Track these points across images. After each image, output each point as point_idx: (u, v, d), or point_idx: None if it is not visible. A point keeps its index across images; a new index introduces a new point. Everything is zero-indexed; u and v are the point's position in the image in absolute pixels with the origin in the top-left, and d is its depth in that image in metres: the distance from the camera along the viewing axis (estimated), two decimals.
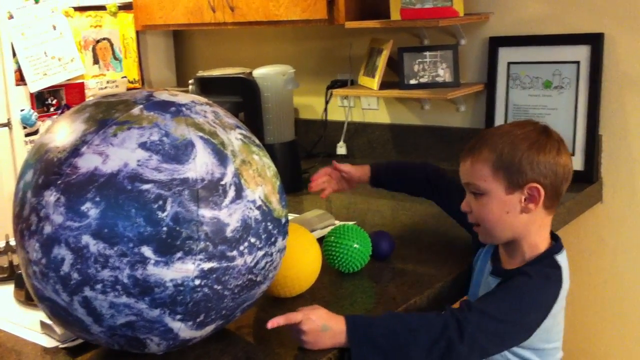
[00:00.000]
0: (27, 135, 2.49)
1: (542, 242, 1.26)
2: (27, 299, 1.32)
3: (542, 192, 1.20)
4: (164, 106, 1.04)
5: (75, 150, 0.97)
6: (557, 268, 1.23)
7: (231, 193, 1.00)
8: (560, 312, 1.25)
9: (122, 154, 0.96)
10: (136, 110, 1.02)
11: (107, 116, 1.01)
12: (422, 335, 1.11)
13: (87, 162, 0.96)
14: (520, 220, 1.22)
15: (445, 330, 1.11)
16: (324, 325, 1.10)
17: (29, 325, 1.25)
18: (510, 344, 1.20)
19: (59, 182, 0.96)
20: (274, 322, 1.10)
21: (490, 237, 1.27)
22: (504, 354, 1.23)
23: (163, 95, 1.07)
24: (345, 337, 1.11)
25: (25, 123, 2.47)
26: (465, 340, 1.11)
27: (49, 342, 1.18)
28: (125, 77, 2.78)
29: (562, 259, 1.25)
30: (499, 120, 2.13)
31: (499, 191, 1.21)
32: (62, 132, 1.02)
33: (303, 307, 1.13)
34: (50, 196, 0.96)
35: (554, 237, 1.29)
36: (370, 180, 1.63)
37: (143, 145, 0.97)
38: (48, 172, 0.98)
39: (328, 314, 1.12)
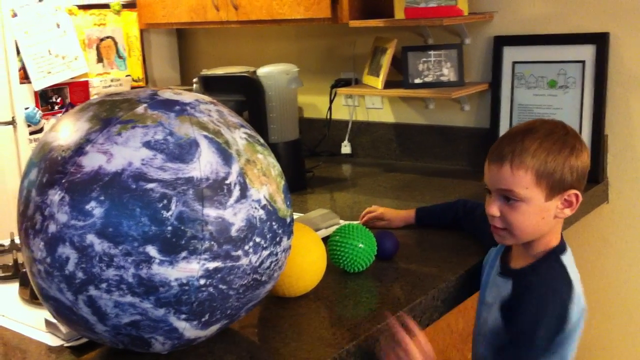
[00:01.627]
0: (31, 133, 2.49)
1: (553, 240, 1.27)
2: (31, 298, 1.32)
3: (581, 198, 1.22)
4: (168, 105, 1.04)
5: (79, 149, 0.97)
6: (562, 267, 1.23)
7: (236, 192, 1.00)
8: (577, 332, 1.23)
9: (127, 152, 0.96)
10: (140, 109, 1.02)
11: (111, 115, 1.01)
12: None
13: (92, 161, 0.96)
14: (549, 224, 1.23)
15: None
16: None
17: (34, 323, 1.25)
18: None
19: (64, 180, 0.96)
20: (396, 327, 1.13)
21: (514, 239, 1.26)
22: None
23: (167, 94, 1.07)
24: None
25: (30, 121, 2.48)
26: None
27: (53, 341, 1.18)
28: (129, 75, 2.78)
29: (565, 258, 1.25)
30: (503, 119, 2.13)
31: (539, 198, 1.20)
32: (66, 130, 1.02)
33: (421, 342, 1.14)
34: (55, 195, 0.96)
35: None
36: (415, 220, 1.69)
37: (147, 144, 0.97)
38: (52, 170, 0.98)
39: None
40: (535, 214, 1.20)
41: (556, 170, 1.19)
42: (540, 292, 1.20)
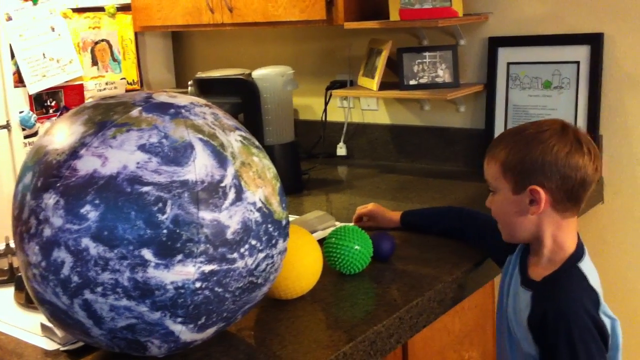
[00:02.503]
0: (26, 137, 2.48)
1: (565, 247, 1.23)
2: (27, 302, 1.32)
3: (544, 195, 1.18)
4: (163, 108, 1.03)
5: (74, 153, 0.97)
6: (584, 279, 1.20)
7: (231, 195, 1.00)
8: (619, 346, 1.23)
9: (121, 156, 0.96)
10: (135, 112, 1.01)
11: (105, 118, 1.00)
12: None
13: (86, 164, 0.95)
14: (530, 221, 1.21)
15: None
16: None
17: (30, 328, 1.24)
18: None
19: (58, 184, 0.95)
20: None
21: (507, 235, 1.27)
22: None
23: (162, 97, 1.07)
24: None
25: (24, 125, 2.47)
26: None
27: (49, 345, 1.17)
28: (124, 78, 2.77)
29: (585, 266, 1.22)
30: (499, 120, 2.13)
31: (507, 191, 1.22)
32: (61, 134, 1.01)
33: None
34: (50, 199, 0.95)
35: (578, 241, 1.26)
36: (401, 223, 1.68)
37: (142, 148, 0.97)
38: (47, 174, 0.97)
39: None
40: (507, 205, 1.23)
41: (518, 164, 1.19)
42: (564, 310, 1.16)
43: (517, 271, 1.29)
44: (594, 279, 1.22)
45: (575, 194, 1.20)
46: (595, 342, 1.15)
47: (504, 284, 1.33)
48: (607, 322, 1.19)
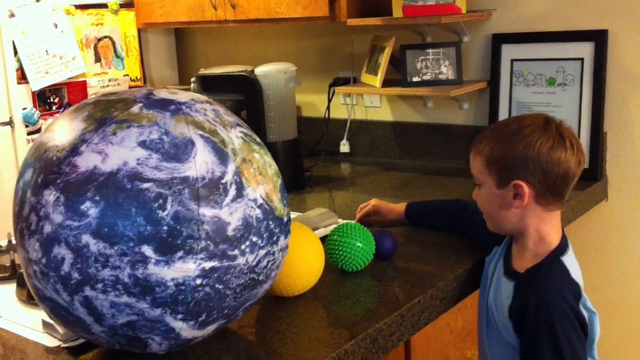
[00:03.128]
0: (29, 133, 2.49)
1: (548, 240, 1.25)
2: (29, 298, 1.32)
3: (527, 190, 1.20)
4: (163, 104, 1.03)
5: (74, 149, 0.97)
6: (565, 272, 1.22)
7: (232, 192, 1.00)
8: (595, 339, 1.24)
9: (122, 152, 0.95)
10: (135, 109, 1.01)
11: (106, 115, 1.00)
12: None
13: (87, 161, 0.95)
14: (514, 215, 1.24)
15: None
16: None
17: (31, 324, 1.24)
18: None
19: (59, 181, 0.95)
20: None
21: (492, 225, 1.30)
22: None
23: (162, 94, 1.07)
24: None
25: (27, 122, 2.47)
26: None
27: (50, 342, 1.18)
28: (127, 75, 2.77)
29: (567, 259, 1.24)
30: (502, 117, 2.12)
31: (491, 185, 1.25)
32: (61, 130, 1.01)
33: None
34: (50, 195, 0.95)
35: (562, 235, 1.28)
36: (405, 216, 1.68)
37: (142, 144, 0.96)
38: (47, 171, 0.97)
39: None
40: (491, 199, 1.25)
41: (501, 159, 1.21)
42: (546, 301, 1.18)
43: (501, 262, 1.33)
44: (576, 272, 1.25)
45: (558, 188, 1.22)
46: (575, 331, 1.18)
47: (487, 273, 1.37)
48: (586, 315, 1.22)
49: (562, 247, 1.26)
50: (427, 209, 1.66)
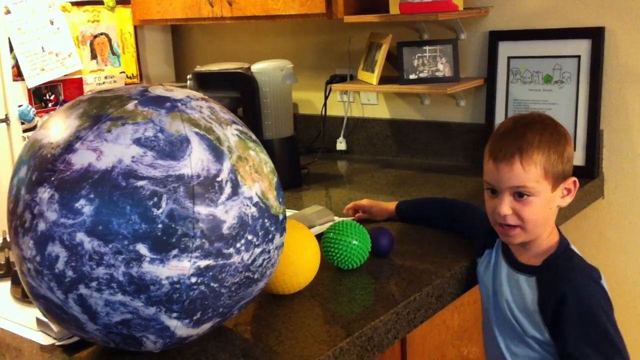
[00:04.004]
0: (25, 131, 2.47)
1: (555, 232, 1.31)
2: (23, 296, 1.31)
3: (578, 183, 1.28)
4: (158, 102, 1.03)
5: (69, 147, 0.96)
6: (578, 256, 1.29)
7: (227, 190, 0.99)
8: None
9: (117, 150, 0.95)
10: (130, 106, 1.01)
11: (101, 112, 1.00)
12: None
13: (81, 158, 0.95)
14: (553, 214, 1.29)
15: None
16: None
17: (26, 322, 1.24)
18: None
19: (53, 178, 0.95)
20: None
21: (526, 236, 1.27)
22: None
23: (158, 91, 1.06)
24: None
25: (23, 119, 2.46)
26: None
27: (45, 340, 1.17)
28: (123, 72, 2.76)
29: (574, 247, 1.31)
30: (499, 115, 2.12)
31: (547, 190, 1.24)
32: (56, 128, 1.01)
33: None
34: (44, 193, 0.95)
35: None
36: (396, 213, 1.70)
37: (137, 142, 0.96)
38: (42, 168, 0.97)
39: None
40: (545, 205, 1.25)
41: (558, 162, 1.24)
42: (585, 288, 1.23)
43: (501, 260, 1.34)
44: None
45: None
46: (612, 310, 1.24)
47: (489, 276, 1.37)
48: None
49: (565, 237, 1.31)
50: (417, 208, 1.68)
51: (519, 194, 1.23)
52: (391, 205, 1.70)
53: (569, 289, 1.23)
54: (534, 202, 1.23)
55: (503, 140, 1.25)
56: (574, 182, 1.27)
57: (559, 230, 1.32)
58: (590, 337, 1.21)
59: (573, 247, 1.31)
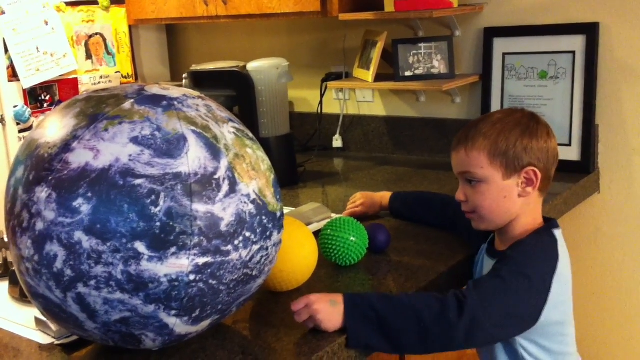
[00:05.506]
0: (20, 131, 2.47)
1: (534, 223, 1.28)
2: (21, 296, 1.31)
3: (540, 175, 1.24)
4: (155, 100, 1.03)
5: (66, 146, 0.96)
6: (552, 237, 1.26)
7: (225, 187, 0.99)
8: (568, 306, 1.25)
9: (114, 149, 0.95)
10: (127, 105, 1.01)
11: (97, 111, 1.00)
12: (418, 312, 1.11)
13: (78, 157, 0.95)
14: (516, 204, 1.26)
15: (443, 307, 1.11)
16: (331, 301, 1.12)
17: (24, 322, 1.24)
18: (514, 326, 1.18)
19: (50, 178, 0.95)
20: (299, 315, 1.13)
21: (486, 222, 1.28)
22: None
23: (154, 89, 1.06)
24: (343, 311, 1.12)
25: (19, 119, 2.46)
26: (464, 317, 1.10)
27: (44, 339, 1.17)
28: (118, 72, 2.76)
29: (557, 234, 1.28)
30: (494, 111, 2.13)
31: (496, 177, 1.24)
32: (53, 127, 1.01)
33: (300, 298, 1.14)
34: (42, 192, 0.95)
35: (547, 220, 1.31)
36: (389, 209, 1.72)
37: (134, 140, 0.96)
38: (39, 168, 0.97)
39: (327, 294, 1.15)
40: (496, 192, 1.25)
41: (509, 149, 1.23)
42: (526, 249, 1.22)
43: (484, 253, 1.36)
44: (562, 249, 1.25)
45: (551, 174, 1.28)
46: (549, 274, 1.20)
47: (477, 269, 1.39)
48: (557, 290, 1.21)
49: (553, 224, 1.29)
50: (411, 204, 1.68)
51: (469, 181, 1.26)
52: (384, 199, 1.70)
53: (512, 251, 1.23)
54: (482, 188, 1.25)
55: (460, 130, 1.31)
56: (533, 171, 1.23)
57: (550, 224, 1.29)
58: (497, 267, 1.21)
59: (557, 232, 1.27)
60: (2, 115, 2.44)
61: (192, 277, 0.97)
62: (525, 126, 1.25)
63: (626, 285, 2.03)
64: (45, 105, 2.54)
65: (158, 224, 0.94)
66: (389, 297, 1.16)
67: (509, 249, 1.25)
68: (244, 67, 2.10)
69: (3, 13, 2.41)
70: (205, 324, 1.06)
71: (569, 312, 1.26)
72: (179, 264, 0.96)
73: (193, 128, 1.01)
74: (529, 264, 1.19)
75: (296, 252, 1.27)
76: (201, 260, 0.97)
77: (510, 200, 1.25)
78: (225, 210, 0.99)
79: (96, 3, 2.69)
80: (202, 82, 2.16)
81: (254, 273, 1.07)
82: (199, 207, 0.96)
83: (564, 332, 1.26)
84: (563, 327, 1.25)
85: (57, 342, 1.15)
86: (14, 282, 1.34)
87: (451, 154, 1.30)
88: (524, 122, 1.26)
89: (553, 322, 1.21)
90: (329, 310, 1.12)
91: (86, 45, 2.68)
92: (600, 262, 2.06)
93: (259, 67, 2.06)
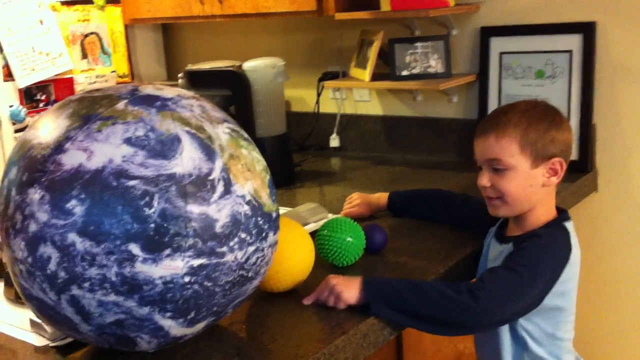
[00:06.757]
0: (16, 131, 2.46)
1: (549, 213, 1.33)
2: (16, 298, 1.30)
3: (564, 166, 1.31)
4: (149, 101, 1.02)
5: (58, 147, 0.96)
6: (565, 230, 1.31)
7: (220, 188, 0.99)
8: (573, 294, 1.31)
9: (107, 150, 0.94)
10: (120, 105, 1.00)
11: (91, 111, 0.99)
12: (434, 290, 1.19)
13: (71, 158, 0.94)
14: (538, 193, 1.31)
15: (457, 291, 1.18)
16: (348, 277, 1.22)
17: (19, 323, 1.23)
18: (522, 303, 1.23)
19: (43, 179, 0.94)
20: (308, 299, 1.23)
21: (509, 209, 1.32)
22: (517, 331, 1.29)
23: (148, 90, 1.06)
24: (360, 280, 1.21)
25: (15, 119, 2.45)
26: (479, 303, 1.17)
27: (39, 341, 1.17)
28: (114, 71, 2.75)
29: (569, 226, 1.33)
30: (491, 110, 2.12)
31: (524, 166, 1.28)
32: (46, 128, 1.00)
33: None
34: (35, 194, 0.94)
35: (560, 210, 1.37)
36: (387, 207, 1.72)
37: (128, 141, 0.95)
38: (32, 169, 0.96)
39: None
40: (523, 180, 1.29)
41: (538, 140, 1.28)
42: (541, 243, 1.26)
43: (492, 240, 1.40)
44: (574, 240, 1.32)
45: (568, 164, 1.33)
46: (561, 265, 1.27)
47: (484, 253, 1.42)
48: (568, 280, 1.29)
49: (565, 216, 1.34)
50: (411, 200, 1.69)
51: (495, 169, 1.30)
52: (382, 199, 1.71)
53: (529, 242, 1.27)
54: (511, 175, 1.29)
55: (487, 118, 1.36)
56: (560, 162, 1.29)
57: (562, 216, 1.34)
58: (512, 260, 1.25)
59: (568, 225, 1.32)
60: None
61: (187, 278, 0.96)
62: (552, 118, 1.30)
63: (624, 283, 2.02)
64: (41, 105, 2.53)
65: (152, 225, 0.93)
66: (407, 279, 1.24)
67: (524, 240, 1.28)
68: (240, 66, 2.09)
69: None
70: (200, 325, 1.05)
71: (573, 301, 1.32)
72: (173, 266, 0.95)
73: (187, 129, 1.00)
74: (542, 259, 1.24)
75: (292, 253, 1.26)
76: (196, 262, 0.97)
77: (534, 189, 1.30)
78: (220, 212, 0.98)
79: (91, 2, 2.68)
80: (198, 81, 2.15)
81: (250, 274, 1.06)
82: (194, 209, 0.96)
83: (567, 319, 1.32)
84: (567, 314, 1.31)
85: (52, 344, 1.15)
86: (8, 284, 1.33)
87: (475, 141, 1.33)
88: (550, 114, 1.31)
89: (559, 307, 1.28)
90: (347, 283, 1.21)
91: (82, 44, 2.67)
92: (597, 261, 2.05)
93: (255, 66, 2.05)
